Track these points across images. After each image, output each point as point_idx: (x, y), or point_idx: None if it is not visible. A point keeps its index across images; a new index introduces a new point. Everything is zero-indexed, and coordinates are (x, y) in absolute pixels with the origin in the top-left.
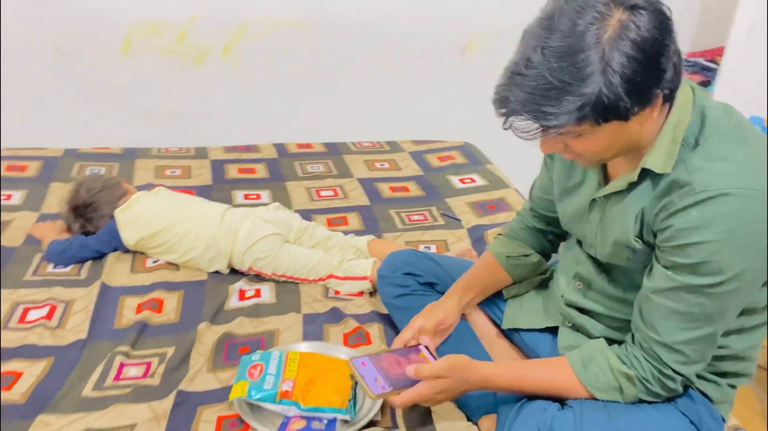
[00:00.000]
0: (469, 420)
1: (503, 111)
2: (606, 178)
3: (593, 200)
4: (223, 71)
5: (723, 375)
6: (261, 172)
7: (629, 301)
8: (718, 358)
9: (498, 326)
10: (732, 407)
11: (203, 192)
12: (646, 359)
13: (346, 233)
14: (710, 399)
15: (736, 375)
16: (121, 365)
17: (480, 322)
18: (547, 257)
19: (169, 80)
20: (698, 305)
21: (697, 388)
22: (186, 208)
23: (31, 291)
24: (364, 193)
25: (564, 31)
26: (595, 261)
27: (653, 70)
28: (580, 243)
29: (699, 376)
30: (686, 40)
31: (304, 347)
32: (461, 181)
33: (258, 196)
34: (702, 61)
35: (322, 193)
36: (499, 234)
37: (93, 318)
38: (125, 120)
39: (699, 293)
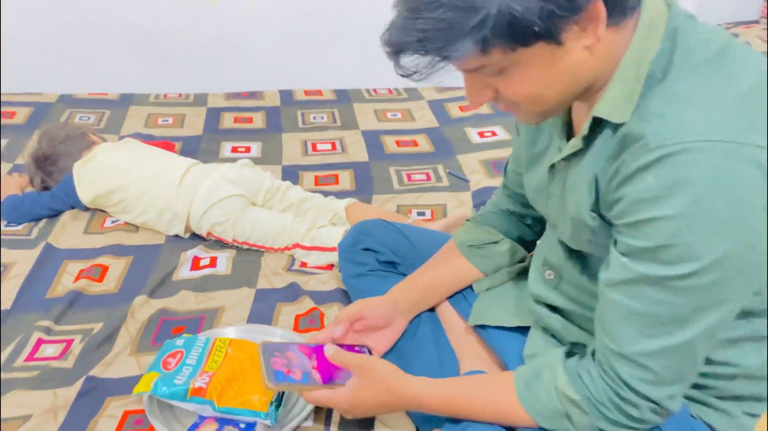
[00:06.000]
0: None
1: (389, 49)
2: (570, 137)
3: (552, 166)
4: (240, 9)
5: (737, 399)
6: (258, 121)
7: None
8: (725, 377)
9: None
10: None
11: (190, 143)
12: (601, 377)
13: (331, 194)
14: None
15: (754, 399)
16: (39, 341)
17: (449, 316)
18: (528, 246)
19: (182, 20)
20: (664, 304)
21: (700, 417)
22: (148, 162)
23: None
24: (365, 147)
25: None
26: (565, 245)
27: None
28: None
29: (701, 402)
30: None
31: (239, 332)
32: (480, 134)
33: (247, 149)
34: None
35: (319, 147)
36: (468, 219)
37: (24, 286)
38: (134, 64)
39: (663, 287)
